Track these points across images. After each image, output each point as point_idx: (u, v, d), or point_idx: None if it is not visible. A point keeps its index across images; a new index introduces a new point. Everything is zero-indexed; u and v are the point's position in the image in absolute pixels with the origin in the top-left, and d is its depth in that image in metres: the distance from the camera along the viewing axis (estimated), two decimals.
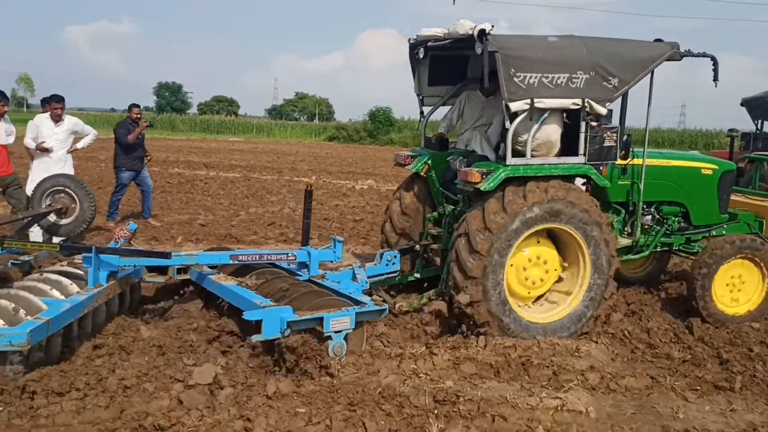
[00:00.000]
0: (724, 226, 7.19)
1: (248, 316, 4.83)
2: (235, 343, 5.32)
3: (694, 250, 7.09)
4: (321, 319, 4.85)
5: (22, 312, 4.66)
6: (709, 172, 7.07)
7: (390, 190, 17.13)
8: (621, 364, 5.54)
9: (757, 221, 7.31)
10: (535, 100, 5.57)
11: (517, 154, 5.78)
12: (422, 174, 6.76)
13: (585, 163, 5.92)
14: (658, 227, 6.90)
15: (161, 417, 3.98)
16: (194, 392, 4.28)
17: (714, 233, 7.11)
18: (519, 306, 5.95)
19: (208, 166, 22.60)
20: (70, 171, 8.87)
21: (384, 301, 5.84)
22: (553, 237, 6.01)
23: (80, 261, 5.85)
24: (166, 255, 5.83)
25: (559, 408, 4.46)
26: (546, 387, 4.84)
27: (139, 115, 10.97)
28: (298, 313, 4.85)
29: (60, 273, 5.65)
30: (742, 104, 14.03)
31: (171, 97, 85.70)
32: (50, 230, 6.88)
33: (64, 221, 6.85)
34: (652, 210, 6.90)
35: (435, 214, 6.93)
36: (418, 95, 7.12)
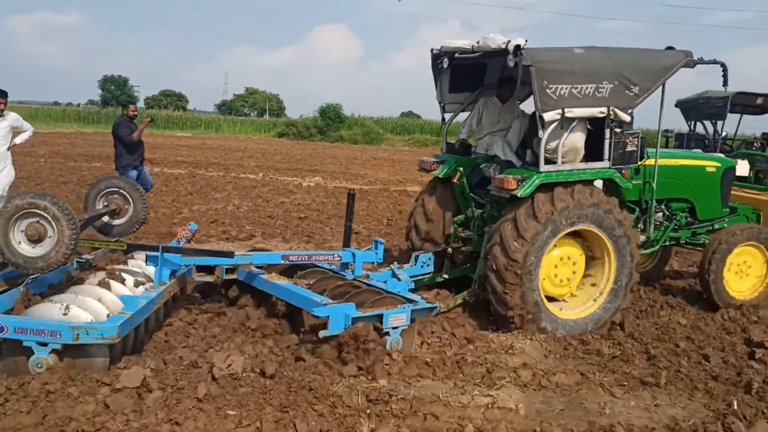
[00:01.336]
0: (726, 220, 7.70)
1: (318, 312, 5.07)
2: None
3: (700, 242, 7.57)
4: (381, 315, 5.14)
5: (102, 308, 4.89)
6: (713, 169, 7.56)
7: (337, 188, 17.12)
8: (553, 360, 5.66)
9: (754, 213, 7.86)
10: (566, 109, 5.88)
11: (544, 161, 6.03)
12: (455, 180, 6.96)
13: (609, 168, 6.26)
14: (668, 223, 7.34)
15: (85, 422, 3.88)
16: (121, 396, 4.19)
17: (717, 226, 7.62)
18: (556, 305, 6.30)
19: (152, 162, 22.05)
20: (11, 169, 8.54)
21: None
22: (575, 235, 6.25)
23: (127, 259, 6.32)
24: (229, 254, 6.02)
25: (489, 405, 4.52)
26: (479, 385, 4.90)
27: (135, 112, 10.85)
28: (360, 310, 5.12)
29: (123, 271, 5.94)
30: (676, 105, 14.47)
31: (117, 91, 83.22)
32: (102, 230, 6.99)
33: (117, 222, 7.00)
34: (662, 207, 7.31)
35: (462, 217, 7.17)
36: (439, 102, 7.39)
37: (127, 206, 6.90)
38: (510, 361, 5.43)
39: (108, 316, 4.82)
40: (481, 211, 6.92)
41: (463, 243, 7.03)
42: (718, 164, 7.62)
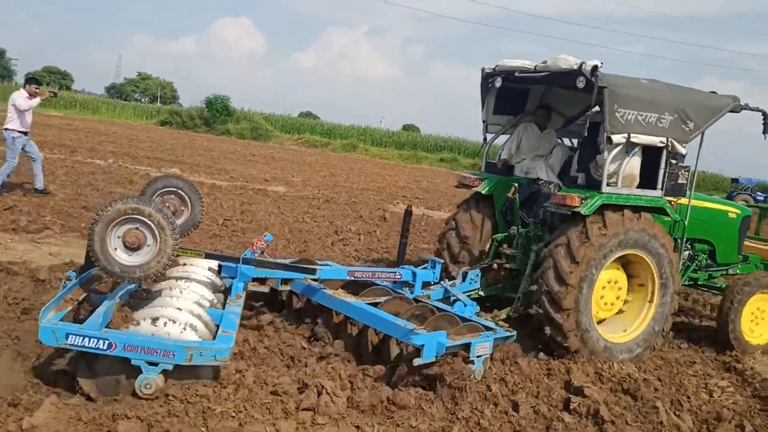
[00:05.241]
0: (739, 266, 7.96)
1: (416, 340, 4.94)
2: None
3: (717, 285, 7.83)
4: (469, 344, 5.08)
5: (202, 326, 4.69)
6: (734, 216, 7.82)
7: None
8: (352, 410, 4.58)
9: (763, 263, 8.15)
10: (632, 135, 6.04)
11: (594, 182, 6.23)
12: (510, 195, 6.87)
13: (661, 198, 6.41)
14: (690, 263, 7.50)
15: None
16: None
17: (731, 272, 7.89)
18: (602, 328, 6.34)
19: None
20: None
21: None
22: (619, 259, 6.27)
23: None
24: (311, 270, 5.84)
25: None
26: None
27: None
28: (450, 338, 5.06)
29: (197, 282, 5.59)
30: None
31: None
32: None
33: None
34: (688, 246, 7.42)
35: (502, 234, 7.20)
36: (483, 122, 7.51)
37: (183, 208, 6.41)
38: None
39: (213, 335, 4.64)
40: (525, 229, 6.93)
41: (506, 260, 6.98)
42: (739, 212, 7.88)
